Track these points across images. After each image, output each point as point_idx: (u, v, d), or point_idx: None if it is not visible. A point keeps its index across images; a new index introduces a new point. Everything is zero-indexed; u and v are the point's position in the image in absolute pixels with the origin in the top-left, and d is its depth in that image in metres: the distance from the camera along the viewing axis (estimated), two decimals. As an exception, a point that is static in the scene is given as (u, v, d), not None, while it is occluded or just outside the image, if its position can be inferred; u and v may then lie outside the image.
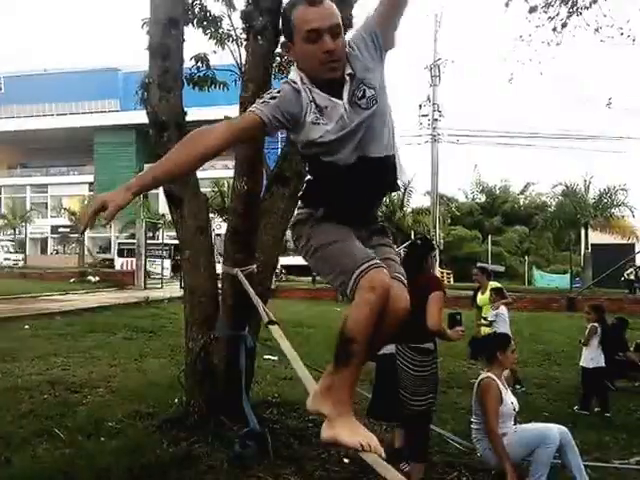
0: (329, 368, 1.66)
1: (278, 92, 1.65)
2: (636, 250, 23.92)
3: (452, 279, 29.89)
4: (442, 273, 28.06)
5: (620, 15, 7.47)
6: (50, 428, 3.96)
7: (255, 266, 3.41)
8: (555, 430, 3.23)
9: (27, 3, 74.45)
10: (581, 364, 5.42)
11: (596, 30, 7.73)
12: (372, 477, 2.96)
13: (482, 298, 6.35)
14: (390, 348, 3.31)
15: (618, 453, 4.04)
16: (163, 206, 33.42)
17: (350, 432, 1.59)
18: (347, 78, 1.63)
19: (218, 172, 27.86)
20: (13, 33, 74.36)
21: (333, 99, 1.63)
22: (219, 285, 3.95)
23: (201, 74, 5.14)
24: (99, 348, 7.51)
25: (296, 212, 1.84)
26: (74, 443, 3.69)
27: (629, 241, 28.08)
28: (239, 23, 4.80)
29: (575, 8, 7.59)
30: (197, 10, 4.27)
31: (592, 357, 5.27)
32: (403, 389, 3.28)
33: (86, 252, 32.49)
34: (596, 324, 5.34)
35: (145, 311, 12.41)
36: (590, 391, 5.26)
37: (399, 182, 1.79)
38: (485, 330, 5.93)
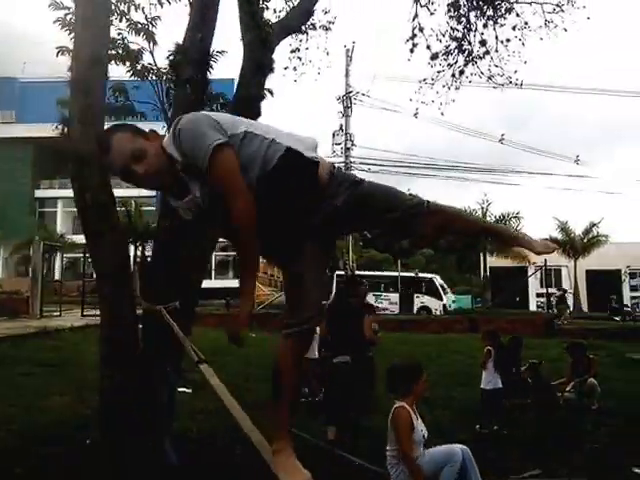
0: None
1: None
2: (529, 273, 26.10)
3: (364, 301, 30.47)
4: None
5: (509, 65, 8.35)
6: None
7: (178, 302, 3.43)
8: (458, 450, 3.54)
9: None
10: (481, 386, 5.89)
11: (489, 78, 8.61)
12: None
13: None
14: (345, 358, 4.98)
15: (514, 468, 4.42)
16: (61, 225, 31.45)
17: (286, 473, 1.76)
18: (183, 176, 1.76)
19: (124, 191, 26.75)
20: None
21: (186, 199, 1.80)
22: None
23: (119, 104, 5.10)
24: (-5, 386, 6.94)
25: None
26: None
27: (522, 264, 30.59)
28: (160, 57, 4.86)
29: (471, 57, 8.41)
30: (120, 48, 4.26)
31: (490, 380, 5.75)
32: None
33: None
34: (490, 348, 5.84)
35: (44, 343, 11.48)
36: (489, 411, 5.72)
37: (309, 156, 1.84)
38: None
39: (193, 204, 1.81)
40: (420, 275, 24.50)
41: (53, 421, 5.23)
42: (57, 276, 24.61)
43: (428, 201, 2.00)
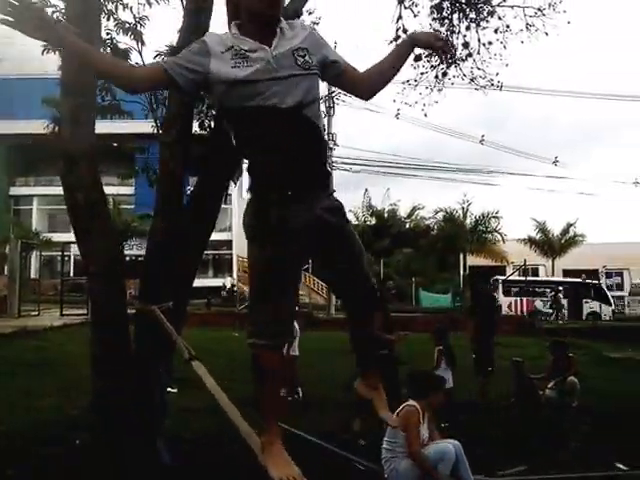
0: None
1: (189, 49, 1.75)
2: (507, 272, 26.49)
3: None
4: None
5: (490, 67, 8.49)
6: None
7: (171, 303, 3.43)
8: (451, 446, 3.62)
9: None
10: None
11: (471, 80, 8.74)
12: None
13: None
14: None
15: (500, 465, 4.49)
16: (37, 223, 30.67)
17: (275, 466, 1.73)
18: (279, 31, 1.72)
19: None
20: None
21: (262, 45, 1.69)
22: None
23: (105, 103, 5.06)
24: (-23, 388, 6.79)
25: (248, 202, 1.85)
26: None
27: (501, 264, 31.04)
28: (147, 57, 4.84)
29: (454, 59, 8.52)
30: (108, 48, 4.23)
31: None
32: None
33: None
34: (441, 347, 5.92)
35: (26, 342, 11.28)
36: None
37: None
38: None
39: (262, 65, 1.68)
40: (587, 281, 23.93)
41: (43, 422, 5.15)
42: (33, 274, 24.03)
43: (383, 301, 2.05)
